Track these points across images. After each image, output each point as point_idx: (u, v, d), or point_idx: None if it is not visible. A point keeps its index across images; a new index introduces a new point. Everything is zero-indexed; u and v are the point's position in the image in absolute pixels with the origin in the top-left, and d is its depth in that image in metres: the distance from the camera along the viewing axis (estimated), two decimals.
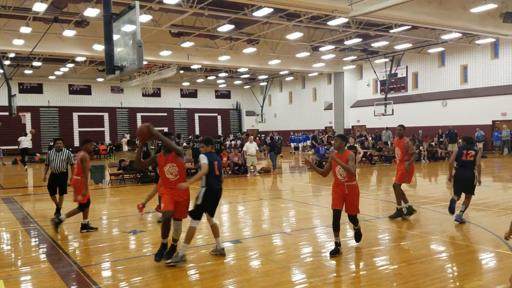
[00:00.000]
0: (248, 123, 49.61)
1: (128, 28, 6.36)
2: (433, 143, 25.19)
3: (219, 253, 6.45)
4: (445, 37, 25.91)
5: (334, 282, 5.42)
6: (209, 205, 6.25)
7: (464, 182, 8.21)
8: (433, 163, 21.84)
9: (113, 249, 7.15)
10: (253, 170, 18.42)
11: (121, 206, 11.69)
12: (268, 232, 8.19)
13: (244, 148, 18.49)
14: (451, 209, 8.29)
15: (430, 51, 30.92)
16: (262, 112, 45.38)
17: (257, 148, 19.37)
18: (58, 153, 9.51)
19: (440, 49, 30.40)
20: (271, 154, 19.58)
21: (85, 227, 8.23)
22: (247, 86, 48.76)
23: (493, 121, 27.92)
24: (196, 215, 6.17)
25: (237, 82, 47.15)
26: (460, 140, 8.61)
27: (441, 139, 25.83)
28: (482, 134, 26.65)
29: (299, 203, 11.29)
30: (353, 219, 6.73)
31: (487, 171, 18.36)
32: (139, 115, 44.88)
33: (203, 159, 6.15)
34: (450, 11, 20.85)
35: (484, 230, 7.81)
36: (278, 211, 10.43)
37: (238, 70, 37.93)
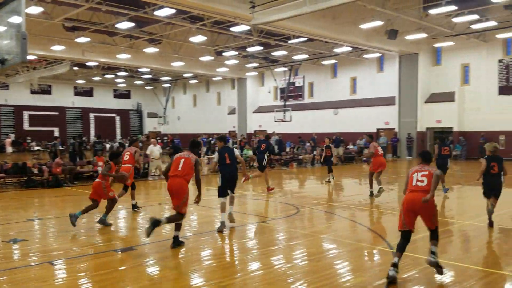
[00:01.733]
0: (150, 125, 48.22)
1: (13, 19, 5.82)
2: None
3: (230, 219, 8.40)
4: (337, 50, 27.93)
5: (229, 284, 5.50)
6: (226, 184, 8.33)
7: (444, 166, 12.45)
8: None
9: None
10: (156, 174, 18.01)
11: (2, 213, 10.58)
12: (166, 237, 8.05)
13: (148, 151, 18.05)
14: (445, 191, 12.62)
15: (324, 62, 33.05)
16: (165, 114, 44.46)
17: (161, 151, 18.93)
18: None
19: (333, 61, 32.69)
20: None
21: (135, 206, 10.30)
22: (149, 87, 47.40)
23: (378, 129, 30.70)
24: (220, 194, 8.36)
25: (138, 82, 45.61)
26: (437, 141, 13.24)
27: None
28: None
29: (201, 207, 11.24)
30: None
31: (365, 175, 20.09)
32: (26, 114, 41.09)
33: (215, 155, 8.53)
34: (341, 26, 22.52)
35: (367, 229, 8.56)
36: None
37: (139, 69, 36.71)
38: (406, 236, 5.62)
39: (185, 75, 40.25)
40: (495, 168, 8.04)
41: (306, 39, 24.83)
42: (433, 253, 5.64)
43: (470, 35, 25.07)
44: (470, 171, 19.71)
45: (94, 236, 8.05)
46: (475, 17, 20.88)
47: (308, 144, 27.08)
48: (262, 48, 28.03)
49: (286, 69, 33.94)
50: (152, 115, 48.56)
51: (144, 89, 48.80)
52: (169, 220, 7.12)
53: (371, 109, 31.04)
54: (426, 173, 5.69)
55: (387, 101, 30.08)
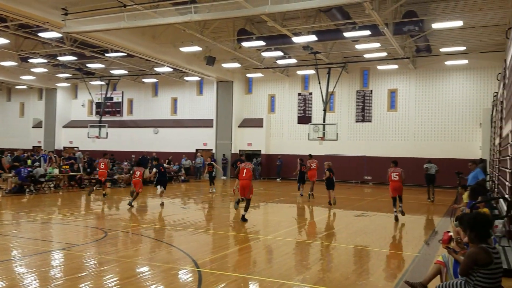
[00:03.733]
0: None
1: None
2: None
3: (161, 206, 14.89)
4: (158, 69, 28.00)
5: None
6: (160, 184, 15.37)
7: (303, 179, 18.60)
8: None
9: None
10: None
11: None
12: None
13: None
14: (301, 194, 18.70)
15: (145, 80, 32.71)
16: None
17: None
18: None
19: (154, 80, 32.63)
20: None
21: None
22: None
23: (197, 150, 31.68)
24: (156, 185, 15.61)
25: None
26: (299, 160, 18.74)
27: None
28: (187, 161, 29.61)
29: None
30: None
31: (182, 195, 20.52)
32: None
33: (154, 168, 15.50)
34: (162, 46, 22.72)
35: (177, 249, 8.63)
36: None
37: None
38: (395, 199, 12.85)
39: None
40: (331, 175, 15.61)
41: (125, 54, 24.19)
42: (399, 211, 12.88)
43: (276, 69, 28.28)
44: (272, 190, 21.91)
45: None
46: (279, 53, 23.69)
47: (125, 163, 26.10)
48: (75, 58, 26.14)
49: (103, 83, 32.31)
50: None
51: None
52: (246, 209, 12.08)
53: (191, 130, 31.90)
54: (397, 173, 12.74)
55: (206, 123, 31.39)
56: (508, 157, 8.72)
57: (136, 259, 7.77)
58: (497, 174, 13.53)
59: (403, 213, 12.89)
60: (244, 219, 11.84)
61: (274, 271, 7.18)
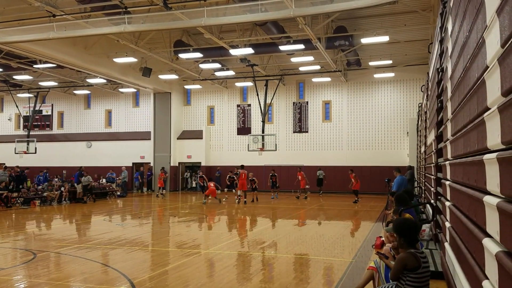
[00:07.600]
0: None
1: None
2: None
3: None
4: (90, 80, 26.97)
5: None
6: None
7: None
8: (74, 205, 21.68)
9: None
10: None
11: None
12: None
13: None
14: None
15: (76, 92, 31.37)
16: None
17: None
18: None
19: (86, 91, 31.37)
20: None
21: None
22: None
23: (134, 163, 30.76)
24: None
25: None
26: (237, 170, 21.28)
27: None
28: (112, 176, 27.83)
29: None
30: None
31: (124, 210, 19.83)
32: None
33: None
34: (95, 57, 21.93)
35: (112, 269, 8.28)
36: None
37: None
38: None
39: None
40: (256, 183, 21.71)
41: (55, 65, 23.07)
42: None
43: (214, 81, 28.33)
44: (212, 202, 21.76)
45: None
46: (217, 65, 23.79)
47: (56, 179, 24.73)
48: (1, 70, 24.58)
49: (31, 95, 30.52)
50: None
51: None
52: (245, 196, 20.74)
53: (127, 142, 30.95)
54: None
55: (143, 136, 30.62)
56: (432, 164, 9.34)
57: (67, 281, 7.35)
58: (423, 180, 14.42)
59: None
60: (245, 203, 20.23)
61: (215, 285, 7.11)
